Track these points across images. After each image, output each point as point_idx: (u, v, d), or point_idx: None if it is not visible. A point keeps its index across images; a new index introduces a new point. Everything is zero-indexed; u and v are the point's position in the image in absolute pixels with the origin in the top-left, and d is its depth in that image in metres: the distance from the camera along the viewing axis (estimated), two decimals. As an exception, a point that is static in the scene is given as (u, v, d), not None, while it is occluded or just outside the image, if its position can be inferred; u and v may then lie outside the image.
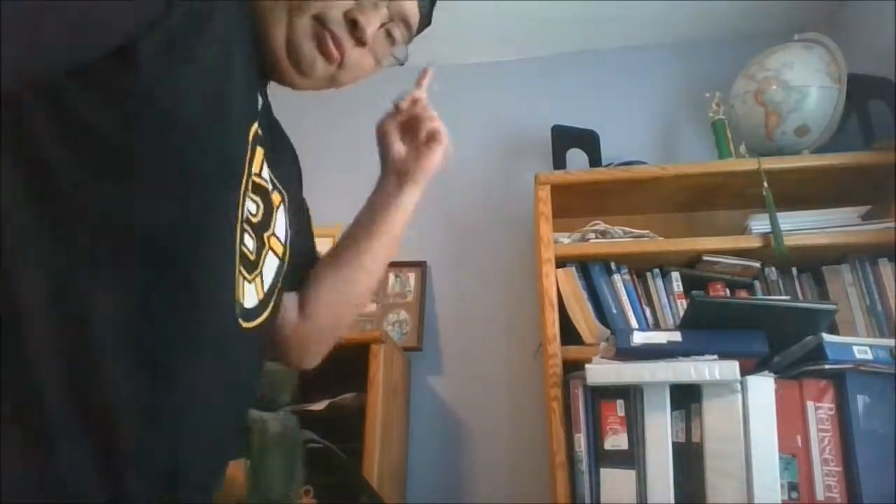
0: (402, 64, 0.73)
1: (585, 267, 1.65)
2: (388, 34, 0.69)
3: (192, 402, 0.54)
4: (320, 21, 0.63)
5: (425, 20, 0.73)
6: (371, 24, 0.64)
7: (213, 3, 0.54)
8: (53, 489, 0.45)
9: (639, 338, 1.23)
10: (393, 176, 0.81)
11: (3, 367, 0.44)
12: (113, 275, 0.49)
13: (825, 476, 1.09)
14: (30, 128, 0.47)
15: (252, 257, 0.64)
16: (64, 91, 0.47)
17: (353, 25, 0.64)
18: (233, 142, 0.59)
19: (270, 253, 0.68)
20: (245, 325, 0.62)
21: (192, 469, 0.56)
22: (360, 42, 0.65)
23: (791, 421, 1.12)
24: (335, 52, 0.64)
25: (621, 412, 1.22)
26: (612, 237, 1.67)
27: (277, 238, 0.70)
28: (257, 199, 0.64)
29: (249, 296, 0.64)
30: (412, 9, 0.69)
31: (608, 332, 1.49)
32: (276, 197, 0.69)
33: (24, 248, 0.46)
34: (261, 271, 0.67)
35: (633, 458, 1.19)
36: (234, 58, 0.57)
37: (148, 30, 0.48)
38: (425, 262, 2.01)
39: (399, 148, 0.79)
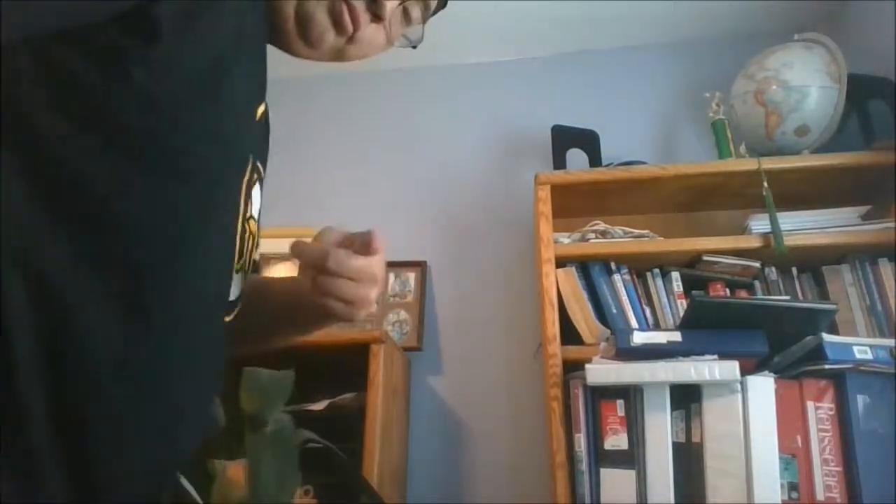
0: (414, 47, 0.68)
1: (585, 267, 1.65)
2: (405, 12, 0.64)
3: (175, 407, 0.52)
4: None
5: (443, 2, 0.69)
6: None
7: None
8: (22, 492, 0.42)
9: (639, 338, 1.23)
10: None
11: None
12: (103, 270, 0.45)
13: (825, 476, 1.09)
14: (23, 99, 0.42)
15: (238, 245, 0.60)
16: (65, 60, 0.42)
17: None
18: (243, 126, 0.55)
19: (251, 237, 0.64)
20: (227, 319, 0.59)
21: (168, 470, 0.54)
22: (377, 17, 0.61)
23: (791, 421, 1.12)
24: (349, 26, 0.60)
25: (621, 412, 1.22)
26: (612, 237, 1.67)
27: (255, 220, 0.66)
28: None
29: (235, 287, 0.61)
30: None
31: (608, 332, 1.49)
32: (254, 174, 0.65)
33: (9, 232, 0.41)
34: (247, 258, 0.64)
35: (633, 458, 1.19)
36: (246, 29, 0.52)
37: None
38: (425, 262, 2.01)
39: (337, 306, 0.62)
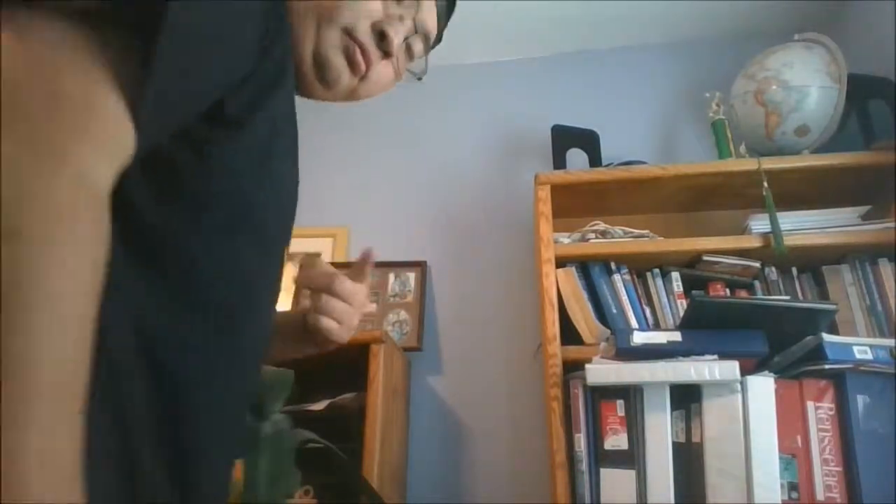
0: (420, 78, 0.75)
1: (585, 267, 1.65)
2: (408, 48, 0.71)
3: (239, 432, 0.60)
4: (349, 33, 0.64)
5: (439, 37, 0.75)
6: (398, 36, 0.66)
7: (286, 48, 0.55)
8: None
9: (639, 338, 1.23)
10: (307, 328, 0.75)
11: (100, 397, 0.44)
12: (195, 323, 0.51)
13: (825, 476, 1.09)
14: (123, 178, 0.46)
15: None
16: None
17: (381, 37, 0.65)
18: (293, 191, 0.62)
19: None
20: None
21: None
22: (387, 53, 0.67)
23: (791, 421, 1.12)
24: (362, 65, 0.65)
25: (621, 412, 1.22)
26: (612, 237, 1.67)
27: None
28: None
29: None
30: (433, 22, 0.72)
31: (608, 332, 1.50)
32: None
33: (113, 293, 0.45)
34: None
35: (633, 458, 1.19)
36: (294, 96, 0.59)
37: (239, 85, 0.49)
38: (425, 262, 2.01)
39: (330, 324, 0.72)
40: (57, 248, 0.34)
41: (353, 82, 0.68)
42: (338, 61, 0.65)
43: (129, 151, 0.40)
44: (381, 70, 0.68)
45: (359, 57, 0.65)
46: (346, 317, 0.71)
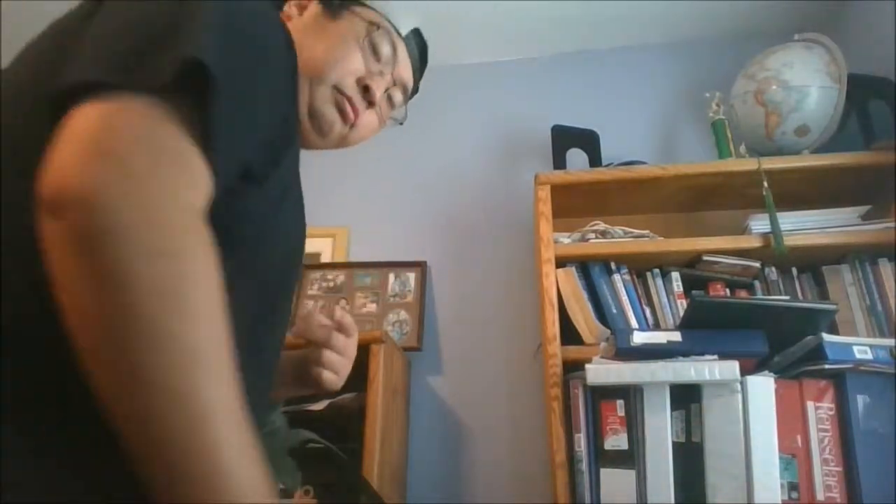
0: (401, 123, 0.88)
1: (585, 267, 1.65)
2: (389, 98, 0.83)
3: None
4: (338, 89, 0.75)
5: (415, 88, 0.87)
6: (379, 89, 0.78)
7: (294, 109, 0.64)
8: None
9: (639, 338, 1.23)
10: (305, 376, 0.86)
11: None
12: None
13: (825, 476, 1.09)
14: None
15: None
16: None
17: (365, 90, 0.77)
18: (301, 235, 0.71)
19: None
20: None
21: None
22: (371, 103, 0.78)
23: (791, 421, 1.12)
24: (351, 114, 0.77)
25: (621, 412, 1.22)
26: (612, 237, 1.67)
27: None
28: None
29: None
30: (409, 75, 0.84)
31: (608, 332, 1.50)
32: None
33: None
34: None
35: (633, 458, 1.19)
36: (299, 150, 0.67)
37: (264, 147, 0.57)
38: (425, 262, 2.01)
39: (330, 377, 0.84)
40: (190, 255, 0.45)
41: (345, 130, 0.78)
42: (330, 113, 0.76)
43: (211, 192, 0.50)
44: (367, 118, 0.80)
45: (348, 108, 0.76)
46: (341, 368, 0.83)
